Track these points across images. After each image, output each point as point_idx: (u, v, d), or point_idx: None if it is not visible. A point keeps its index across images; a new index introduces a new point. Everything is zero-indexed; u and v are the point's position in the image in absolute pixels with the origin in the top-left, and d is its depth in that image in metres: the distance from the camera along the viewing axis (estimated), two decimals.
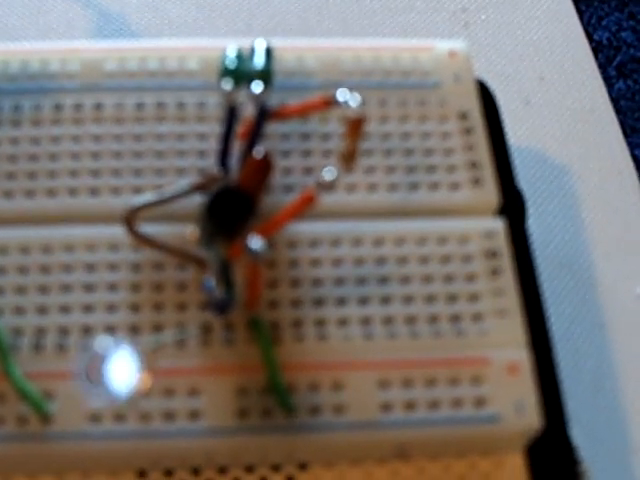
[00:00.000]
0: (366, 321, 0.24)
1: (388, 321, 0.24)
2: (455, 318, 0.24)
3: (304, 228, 0.25)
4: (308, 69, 0.27)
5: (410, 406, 0.23)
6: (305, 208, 0.23)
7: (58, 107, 0.26)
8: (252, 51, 0.24)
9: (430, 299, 0.24)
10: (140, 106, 0.26)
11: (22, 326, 0.23)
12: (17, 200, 0.25)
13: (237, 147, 0.24)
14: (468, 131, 0.27)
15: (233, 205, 0.23)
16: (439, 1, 0.36)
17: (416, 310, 0.24)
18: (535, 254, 0.27)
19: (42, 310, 0.23)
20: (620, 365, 0.29)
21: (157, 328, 0.23)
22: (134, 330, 0.23)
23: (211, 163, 0.25)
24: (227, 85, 0.23)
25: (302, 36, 0.34)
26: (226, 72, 0.23)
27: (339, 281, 0.24)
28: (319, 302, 0.24)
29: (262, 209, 0.24)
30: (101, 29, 0.34)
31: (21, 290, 0.23)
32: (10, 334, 0.23)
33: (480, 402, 0.23)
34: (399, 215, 0.25)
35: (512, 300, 0.24)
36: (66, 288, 0.24)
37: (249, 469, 0.23)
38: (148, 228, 0.23)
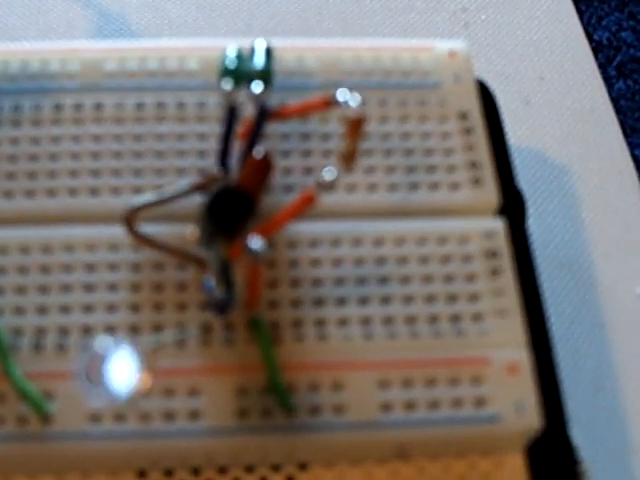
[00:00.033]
0: (366, 321, 0.24)
1: (388, 321, 0.24)
2: (455, 318, 0.24)
3: (304, 228, 0.25)
4: (308, 69, 0.27)
5: (410, 406, 0.23)
6: (305, 208, 0.23)
7: (58, 107, 0.26)
8: (252, 51, 0.24)
9: (430, 299, 0.24)
10: (140, 106, 0.26)
11: (22, 326, 0.23)
12: (17, 200, 0.25)
13: (237, 147, 0.24)
14: (468, 131, 0.27)
15: (233, 205, 0.23)
16: (439, 1, 0.36)
17: (416, 310, 0.24)
18: (535, 254, 0.27)
19: (42, 310, 0.23)
20: (620, 365, 0.29)
21: (157, 328, 0.23)
22: (134, 330, 0.23)
23: (211, 163, 0.25)
24: (227, 85, 0.23)
25: (302, 36, 0.34)
26: (226, 72, 0.23)
27: (339, 281, 0.24)
28: (319, 302, 0.24)
29: (262, 209, 0.24)
30: (101, 29, 0.34)
31: (21, 290, 0.23)
32: (10, 334, 0.23)
33: (480, 402, 0.23)
34: (399, 215, 0.25)
35: (512, 300, 0.24)
36: (66, 288, 0.24)
37: (249, 469, 0.23)
38: (148, 228, 0.23)
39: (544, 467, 0.24)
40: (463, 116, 0.27)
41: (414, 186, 0.26)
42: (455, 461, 0.23)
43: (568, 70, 0.35)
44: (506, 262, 0.25)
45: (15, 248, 0.24)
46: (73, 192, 0.25)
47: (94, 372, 0.21)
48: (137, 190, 0.25)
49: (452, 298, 0.24)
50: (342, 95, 0.23)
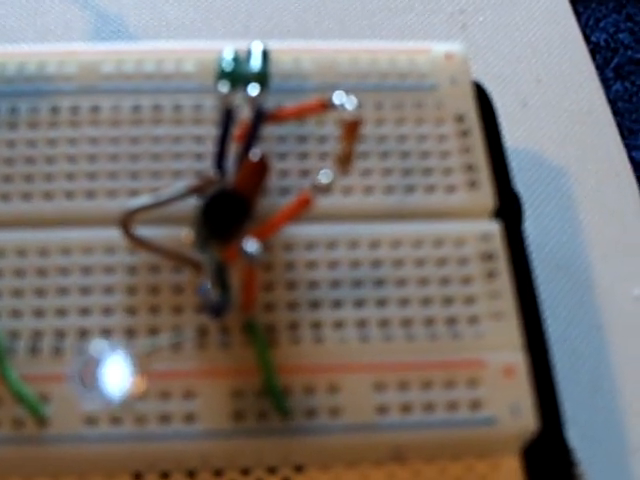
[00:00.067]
0: (362, 324, 0.24)
1: (384, 324, 0.24)
2: (451, 321, 0.24)
3: (300, 231, 0.25)
4: (304, 71, 0.27)
5: (406, 409, 0.23)
6: (301, 211, 0.23)
7: (55, 109, 0.26)
8: (249, 53, 0.24)
9: (426, 302, 0.24)
10: (137, 109, 0.26)
11: (18, 329, 0.23)
12: (14, 203, 0.25)
13: (233, 150, 0.24)
14: (465, 133, 0.27)
15: (229, 208, 0.23)
16: (437, 3, 0.36)
17: (412, 313, 0.24)
18: (532, 256, 0.27)
19: (38, 313, 0.23)
20: (617, 367, 0.29)
21: (153, 331, 0.23)
22: (130, 333, 0.23)
23: (207, 166, 0.25)
24: (224, 87, 0.23)
25: (300, 38, 0.34)
26: (223, 74, 0.23)
27: (335, 284, 0.24)
28: (315, 305, 0.24)
29: (258, 212, 0.24)
30: (99, 31, 0.34)
31: (17, 293, 0.23)
32: (6, 337, 0.23)
33: (476, 405, 0.23)
34: (395, 218, 0.25)
35: (508, 303, 0.24)
36: (62, 291, 0.24)
37: (245, 472, 0.23)
38: (144, 231, 0.23)
39: (540, 469, 0.24)
40: (460, 118, 0.27)
41: (410, 189, 0.26)
42: (451, 464, 0.23)
43: (565, 72, 0.35)
44: (502, 265, 0.25)
45: (11, 251, 0.24)
46: (70, 195, 0.25)
47: (89, 375, 0.21)
48: (133, 193, 0.25)
49: (448, 301, 0.24)
50: (338, 98, 0.23)
